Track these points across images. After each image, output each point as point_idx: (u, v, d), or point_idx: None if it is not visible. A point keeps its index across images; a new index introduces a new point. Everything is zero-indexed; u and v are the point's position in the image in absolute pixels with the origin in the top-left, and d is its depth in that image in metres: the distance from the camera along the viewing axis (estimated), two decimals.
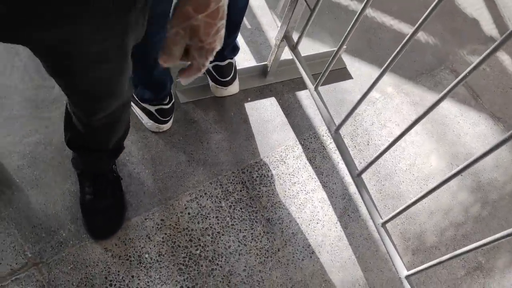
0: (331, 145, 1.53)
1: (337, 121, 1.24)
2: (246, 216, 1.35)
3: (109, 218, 1.22)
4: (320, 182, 1.46)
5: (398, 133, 1.05)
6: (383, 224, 1.22)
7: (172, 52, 0.61)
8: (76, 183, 1.26)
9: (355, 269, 1.36)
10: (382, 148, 1.09)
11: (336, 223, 1.41)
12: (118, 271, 1.19)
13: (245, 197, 1.37)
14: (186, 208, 1.32)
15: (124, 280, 1.19)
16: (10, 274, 1.13)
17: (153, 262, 1.22)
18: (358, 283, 1.34)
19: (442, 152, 1.63)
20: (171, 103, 1.37)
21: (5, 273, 1.13)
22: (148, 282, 1.20)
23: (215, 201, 1.35)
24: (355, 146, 1.56)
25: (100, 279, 1.17)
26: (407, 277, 1.21)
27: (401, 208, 1.10)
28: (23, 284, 1.13)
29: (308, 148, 1.51)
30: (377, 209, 1.21)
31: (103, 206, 1.21)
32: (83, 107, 0.90)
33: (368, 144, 1.57)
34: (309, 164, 1.48)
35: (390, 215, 1.17)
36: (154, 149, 1.39)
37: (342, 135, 1.27)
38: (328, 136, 1.55)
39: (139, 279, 1.19)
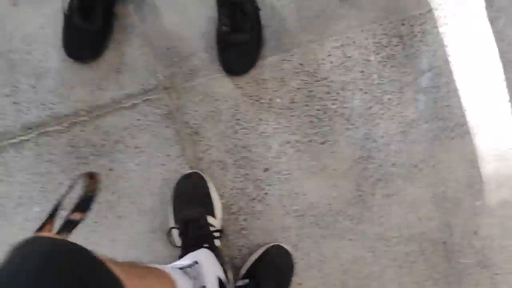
0: None
1: None
2: (397, 77, 1.14)
3: (244, 54, 1.09)
4: (498, 50, 1.17)
5: None
6: None
7: None
8: (214, 10, 1.12)
9: None
10: None
11: (506, 104, 1.15)
12: (247, 111, 1.11)
13: (399, 54, 1.15)
14: (329, 55, 1.14)
15: (251, 121, 1.10)
16: (142, 94, 1.10)
17: (284, 109, 1.12)
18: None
19: None
20: None
21: (137, 92, 1.11)
22: (276, 128, 1.11)
23: (364, 53, 1.15)
24: None
25: (227, 115, 1.10)
26: None
27: None
28: (153, 106, 1.10)
29: (492, 6, 1.19)
30: None
31: (239, 41, 1.08)
32: None
33: None
34: (489, 26, 1.18)
35: None
36: None
37: None
38: None
39: (267, 124, 1.11)
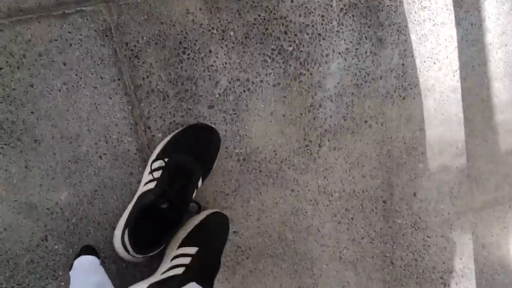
0: None
1: None
2: (356, 28, 1.09)
3: None
4: (455, 17, 1.16)
5: None
6: None
7: None
8: None
9: (458, 129, 1.14)
10: None
11: (456, 71, 1.15)
12: (196, 40, 1.00)
13: (362, 4, 1.10)
14: None
15: (199, 52, 1.00)
16: (76, 3, 0.95)
17: (237, 43, 1.02)
18: (456, 145, 1.13)
19: None
20: None
21: (71, 0, 0.95)
22: (225, 63, 1.01)
23: None
24: None
25: (173, 42, 0.98)
26: None
27: None
28: (88, 19, 0.95)
29: None
30: None
31: None
32: None
33: None
34: None
35: None
36: None
37: None
38: None
39: (216, 57, 1.00)
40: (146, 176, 0.90)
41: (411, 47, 1.12)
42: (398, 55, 1.11)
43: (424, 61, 1.12)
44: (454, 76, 1.14)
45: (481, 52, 1.17)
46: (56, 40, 0.93)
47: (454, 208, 1.13)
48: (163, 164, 0.86)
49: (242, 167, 1.00)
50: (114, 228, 0.93)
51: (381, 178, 1.08)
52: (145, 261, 0.94)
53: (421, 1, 1.14)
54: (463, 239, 1.14)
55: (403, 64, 1.11)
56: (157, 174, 0.85)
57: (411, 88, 1.11)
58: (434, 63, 1.13)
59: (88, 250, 0.84)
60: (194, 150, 0.92)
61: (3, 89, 0.89)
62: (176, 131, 0.95)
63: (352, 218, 1.06)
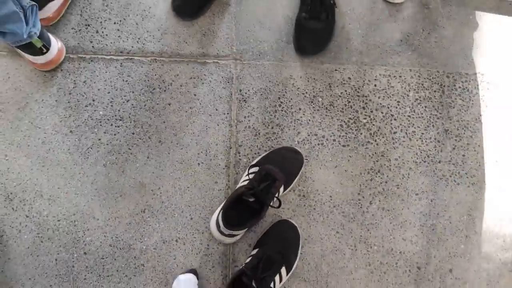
0: None
1: None
2: (426, 116, 1.30)
3: (316, 39, 1.31)
4: None
5: None
6: None
7: None
8: (294, 11, 1.36)
9: (509, 225, 1.23)
10: None
11: None
12: (291, 98, 1.30)
13: (436, 99, 1.31)
14: (375, 79, 1.32)
15: (291, 108, 1.30)
16: (215, 57, 1.34)
17: (322, 108, 1.30)
18: (504, 239, 1.22)
19: None
20: None
21: (212, 54, 1.34)
22: (309, 120, 1.29)
23: (405, 88, 1.32)
24: None
25: (274, 96, 1.30)
26: None
27: None
28: (219, 68, 1.32)
29: None
30: None
31: (314, 27, 1.30)
32: None
33: None
34: None
35: None
36: (377, 16, 1.38)
37: None
38: None
39: (303, 114, 1.29)
40: (244, 177, 1.19)
41: (474, 142, 1.28)
42: (461, 147, 1.27)
43: (485, 160, 1.27)
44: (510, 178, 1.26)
45: None
46: (194, 78, 1.32)
47: None
48: (257, 169, 1.15)
49: (300, 201, 1.24)
50: (192, 219, 1.23)
51: (420, 246, 1.22)
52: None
53: (494, 105, 1.30)
54: None
55: (463, 155, 1.27)
56: (251, 176, 1.14)
57: (467, 177, 1.25)
58: (497, 161, 1.27)
59: (192, 271, 1.14)
60: (281, 164, 1.20)
61: (150, 102, 1.28)
62: (272, 149, 1.24)
63: (384, 272, 1.20)
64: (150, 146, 1.26)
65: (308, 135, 1.28)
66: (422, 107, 1.30)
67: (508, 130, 1.30)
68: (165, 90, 1.31)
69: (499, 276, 1.21)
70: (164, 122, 1.28)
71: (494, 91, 1.32)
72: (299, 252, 1.19)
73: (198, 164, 1.26)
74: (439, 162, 1.27)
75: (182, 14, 1.37)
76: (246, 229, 1.14)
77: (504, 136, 1.29)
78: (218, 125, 1.28)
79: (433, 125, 1.29)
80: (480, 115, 1.30)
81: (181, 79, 1.31)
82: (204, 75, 1.32)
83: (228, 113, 1.29)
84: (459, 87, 1.32)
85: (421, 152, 1.27)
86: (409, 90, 1.32)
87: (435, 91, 1.31)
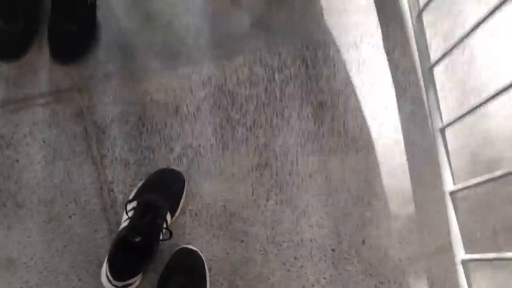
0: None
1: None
2: (298, 95, 1.24)
3: (71, 43, 1.18)
4: (392, 78, 1.28)
5: None
6: (442, 130, 1.05)
7: None
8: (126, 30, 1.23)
9: (404, 179, 1.22)
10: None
11: (397, 125, 1.25)
12: (153, 115, 1.18)
13: (302, 74, 1.26)
14: (236, 71, 1.24)
15: (156, 125, 1.18)
16: (56, 92, 1.17)
17: (189, 115, 1.19)
18: (402, 194, 1.21)
19: None
20: None
21: (52, 91, 1.17)
22: (179, 132, 1.18)
23: (269, 72, 1.25)
24: (436, 33, 1.31)
25: (134, 117, 1.17)
26: (452, 193, 1.05)
27: (464, 112, 0.92)
28: (64, 104, 1.16)
29: (389, 38, 1.31)
30: (440, 111, 1.03)
31: (68, 30, 1.17)
32: None
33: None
34: (385, 56, 1.30)
35: (452, 119, 1.00)
36: (218, 3, 1.30)
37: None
38: None
39: (171, 127, 1.18)
40: (124, 218, 1.05)
41: (351, 108, 1.25)
42: (339, 116, 1.23)
43: (366, 120, 1.24)
44: (396, 131, 1.24)
45: (422, 108, 1.27)
46: (38, 123, 1.14)
47: (405, 254, 1.18)
48: (135, 204, 1.01)
49: (194, 222, 1.13)
50: (80, 279, 1.07)
51: (329, 228, 1.16)
52: None
53: (359, 67, 1.28)
54: (418, 285, 1.17)
55: (344, 124, 1.23)
56: (130, 214, 1.00)
57: (353, 143, 1.22)
58: (375, 119, 1.25)
59: None
60: (160, 189, 1.07)
61: None
62: (146, 178, 1.10)
63: (301, 266, 1.13)
64: (8, 214, 1.08)
65: (183, 149, 1.17)
66: (291, 86, 1.24)
67: (377, 82, 1.28)
68: (7, 146, 1.12)
69: (409, 231, 1.19)
70: (16, 182, 1.10)
71: (353, 52, 1.30)
72: (207, 276, 1.08)
73: (70, 216, 1.10)
74: (323, 137, 1.22)
75: (4, 56, 1.18)
76: (140, 274, 1.01)
77: (377, 91, 1.27)
78: (80, 167, 1.13)
79: (306, 102, 1.24)
80: (349, 78, 1.27)
81: (23, 129, 1.14)
82: (49, 116, 1.15)
83: (87, 151, 1.14)
84: (321, 57, 1.28)
85: (302, 133, 1.21)
86: (274, 73, 1.25)
87: (299, 67, 1.26)
